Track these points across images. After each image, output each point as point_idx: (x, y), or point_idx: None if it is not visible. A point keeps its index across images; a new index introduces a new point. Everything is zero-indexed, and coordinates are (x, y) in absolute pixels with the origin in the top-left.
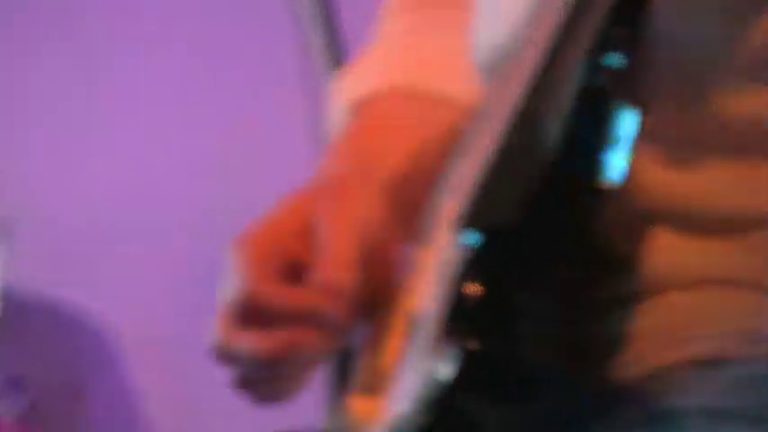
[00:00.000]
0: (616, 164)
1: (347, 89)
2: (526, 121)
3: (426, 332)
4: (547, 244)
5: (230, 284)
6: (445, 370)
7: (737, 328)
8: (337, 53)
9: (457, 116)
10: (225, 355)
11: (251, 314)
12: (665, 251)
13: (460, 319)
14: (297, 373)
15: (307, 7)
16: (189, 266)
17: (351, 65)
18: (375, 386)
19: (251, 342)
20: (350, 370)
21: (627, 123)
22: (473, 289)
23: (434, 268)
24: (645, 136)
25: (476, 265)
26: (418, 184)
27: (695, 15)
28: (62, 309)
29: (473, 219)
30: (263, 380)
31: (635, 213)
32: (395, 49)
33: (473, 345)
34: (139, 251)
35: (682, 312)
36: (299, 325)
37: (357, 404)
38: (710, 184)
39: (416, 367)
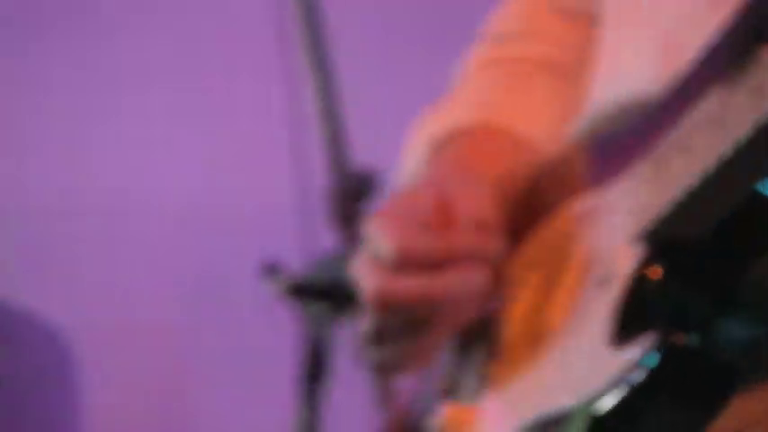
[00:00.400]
0: None
1: (430, 127)
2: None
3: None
4: (727, 259)
5: (381, 243)
6: (641, 366)
7: None
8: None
9: (534, 157)
10: (385, 301)
11: (408, 266)
12: None
13: (641, 319)
14: (447, 321)
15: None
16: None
17: (434, 109)
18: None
19: (417, 283)
20: (322, 365)
21: None
22: (656, 273)
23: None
24: None
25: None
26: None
27: None
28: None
29: (661, 231)
30: (410, 330)
31: None
32: (477, 93)
33: (677, 338)
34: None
35: None
36: (458, 265)
37: (450, 411)
38: None
39: (590, 354)
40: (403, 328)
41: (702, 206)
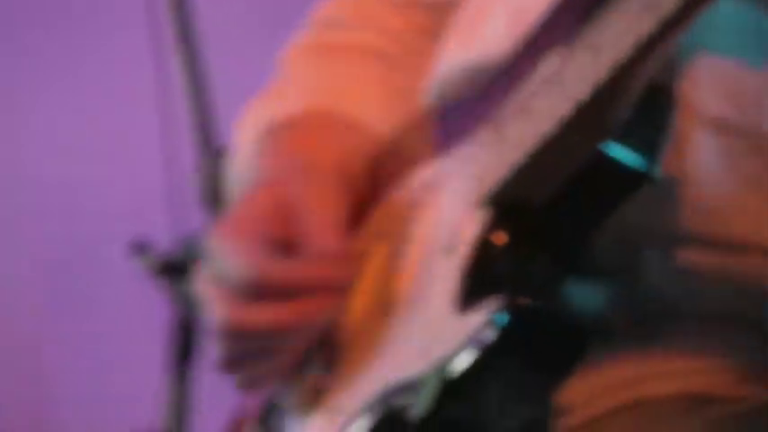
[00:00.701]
0: (660, 158)
1: (257, 117)
2: (601, 99)
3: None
4: (572, 220)
5: (231, 267)
6: (490, 328)
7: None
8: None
9: (365, 141)
10: (235, 331)
11: (259, 293)
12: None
13: (490, 282)
14: (300, 345)
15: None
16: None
17: (257, 98)
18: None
19: (270, 314)
20: (191, 344)
21: (673, 120)
22: (501, 238)
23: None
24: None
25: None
26: (355, 184)
27: None
28: None
29: (508, 193)
30: (262, 355)
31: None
32: (305, 79)
33: (523, 300)
34: None
35: (670, 341)
36: (310, 294)
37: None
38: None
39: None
40: (254, 353)
41: (544, 169)
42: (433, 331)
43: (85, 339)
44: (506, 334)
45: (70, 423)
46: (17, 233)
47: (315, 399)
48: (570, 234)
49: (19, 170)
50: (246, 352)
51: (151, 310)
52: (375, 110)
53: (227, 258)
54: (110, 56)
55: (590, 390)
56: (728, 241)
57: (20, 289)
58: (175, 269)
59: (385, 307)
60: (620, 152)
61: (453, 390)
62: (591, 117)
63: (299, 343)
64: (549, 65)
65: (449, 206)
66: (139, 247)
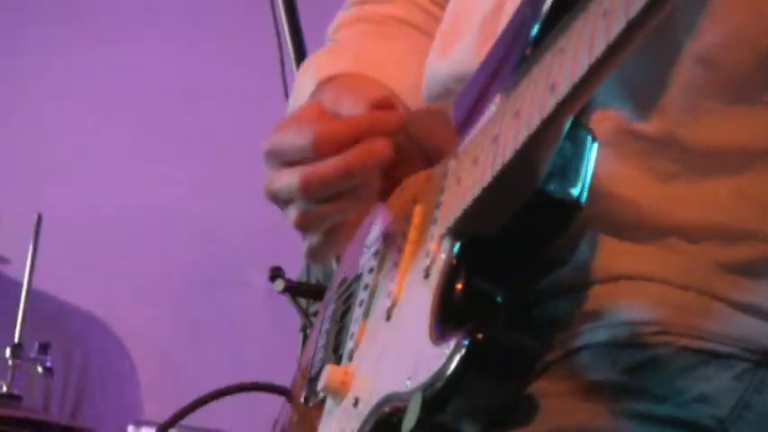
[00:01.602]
0: (586, 185)
1: (313, 69)
2: (526, 157)
3: (415, 318)
4: (518, 251)
5: (284, 143)
6: (454, 355)
7: (650, 318)
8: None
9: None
10: (305, 187)
11: (322, 152)
12: (594, 250)
13: (455, 312)
14: (366, 192)
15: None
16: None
17: (308, 59)
18: None
19: (330, 163)
20: None
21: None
22: (461, 290)
23: (412, 266)
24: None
25: (464, 268)
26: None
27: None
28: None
29: (461, 228)
30: (332, 211)
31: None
32: (349, 48)
33: (480, 332)
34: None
35: (605, 301)
36: (365, 141)
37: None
38: (638, 195)
39: (406, 350)
40: (326, 208)
41: (491, 209)
42: (417, 356)
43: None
44: (469, 357)
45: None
46: (173, 258)
47: (341, 386)
48: (521, 262)
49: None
50: (318, 210)
51: (284, 323)
52: (411, 79)
53: (281, 139)
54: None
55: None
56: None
57: (172, 307)
58: (304, 291)
59: (388, 311)
60: (555, 187)
61: (435, 402)
62: (520, 169)
63: (362, 191)
64: (490, 119)
65: (430, 225)
66: (275, 272)
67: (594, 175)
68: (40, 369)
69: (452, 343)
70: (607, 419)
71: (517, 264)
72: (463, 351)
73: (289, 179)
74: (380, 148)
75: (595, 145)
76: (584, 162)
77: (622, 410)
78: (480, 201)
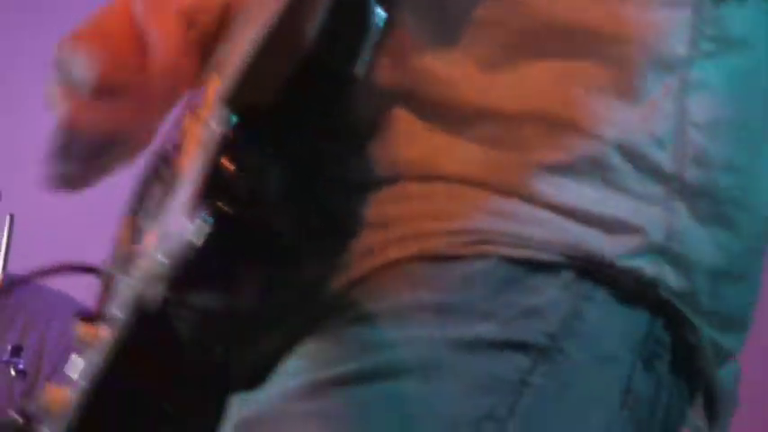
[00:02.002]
0: (365, 54)
1: None
2: (287, 17)
3: (185, 193)
4: (299, 124)
5: (79, 69)
6: (198, 231)
7: (465, 226)
8: None
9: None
10: (74, 128)
11: (102, 93)
12: (406, 138)
13: (216, 188)
14: (128, 149)
15: None
16: None
17: None
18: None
19: (108, 116)
20: None
21: (377, 19)
22: (228, 165)
23: (200, 139)
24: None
25: (233, 142)
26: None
27: None
28: None
29: (233, 99)
30: (91, 152)
31: (381, 97)
32: None
33: (226, 208)
34: None
35: (416, 205)
36: (149, 97)
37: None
38: (460, 74)
39: (172, 224)
40: (86, 149)
41: (262, 75)
42: (172, 229)
43: None
44: (214, 238)
45: None
46: None
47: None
48: (294, 138)
49: None
50: (80, 146)
51: None
52: None
53: (78, 63)
54: None
55: (367, 246)
56: None
57: None
58: None
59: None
60: (325, 55)
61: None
62: (289, 28)
63: (130, 144)
64: None
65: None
66: None
67: (399, 45)
68: (12, 372)
69: (201, 212)
70: (423, 350)
71: (295, 138)
72: (205, 227)
73: (60, 106)
74: (158, 111)
75: (381, 15)
76: (361, 29)
77: (444, 338)
78: (249, 63)
